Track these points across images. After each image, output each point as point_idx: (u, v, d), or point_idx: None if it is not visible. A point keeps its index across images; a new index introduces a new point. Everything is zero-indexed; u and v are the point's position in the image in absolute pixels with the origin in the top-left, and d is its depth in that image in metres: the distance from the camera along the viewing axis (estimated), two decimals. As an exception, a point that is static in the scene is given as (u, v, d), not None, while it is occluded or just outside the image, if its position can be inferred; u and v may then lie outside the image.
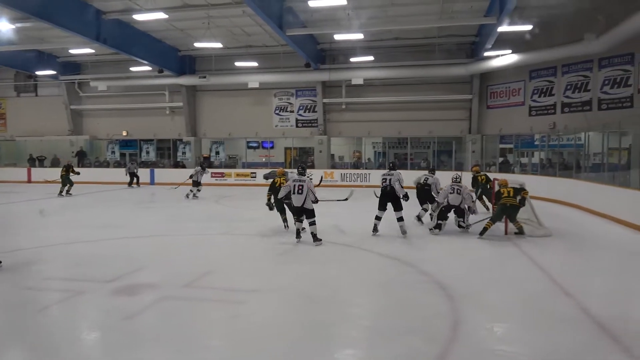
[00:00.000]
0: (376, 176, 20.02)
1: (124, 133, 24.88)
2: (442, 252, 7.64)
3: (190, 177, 15.90)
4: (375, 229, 8.86)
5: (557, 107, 18.07)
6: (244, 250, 7.73)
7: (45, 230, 9.59)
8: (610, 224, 10.51)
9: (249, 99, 23.05)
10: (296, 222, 8.31)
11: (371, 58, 19.88)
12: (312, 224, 8.02)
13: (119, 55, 20.32)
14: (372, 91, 21.55)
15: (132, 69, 21.94)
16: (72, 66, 24.23)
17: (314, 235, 8.00)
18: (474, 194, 11.15)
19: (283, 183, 9.01)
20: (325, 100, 21.96)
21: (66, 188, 16.39)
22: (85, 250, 7.52)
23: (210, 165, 22.37)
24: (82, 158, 24.44)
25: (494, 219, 8.89)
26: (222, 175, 21.94)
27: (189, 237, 8.82)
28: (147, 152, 24.62)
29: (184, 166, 23.12)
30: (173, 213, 12.11)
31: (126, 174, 20.39)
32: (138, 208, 13.48)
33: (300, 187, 7.95)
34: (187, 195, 15.67)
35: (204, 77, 21.57)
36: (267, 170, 20.61)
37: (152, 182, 22.29)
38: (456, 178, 9.39)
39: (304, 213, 8.09)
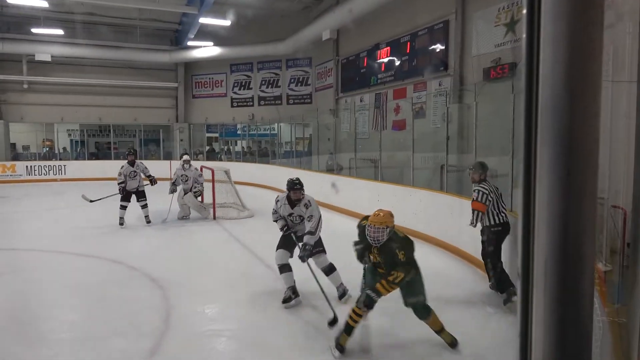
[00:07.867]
0: (73, 168, 17.98)
1: None
2: (148, 247, 7.47)
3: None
4: None
5: (255, 99, 19.92)
6: None
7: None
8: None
9: None
10: None
11: (60, 32, 17.35)
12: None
13: None
14: (65, 71, 19.07)
15: None
16: None
17: None
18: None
19: None
20: (-1, 77, 18.03)
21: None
22: None
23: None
24: None
25: None
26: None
27: None
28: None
29: None
30: None
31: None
32: None
33: None
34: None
35: None
36: None
37: None
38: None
39: None
